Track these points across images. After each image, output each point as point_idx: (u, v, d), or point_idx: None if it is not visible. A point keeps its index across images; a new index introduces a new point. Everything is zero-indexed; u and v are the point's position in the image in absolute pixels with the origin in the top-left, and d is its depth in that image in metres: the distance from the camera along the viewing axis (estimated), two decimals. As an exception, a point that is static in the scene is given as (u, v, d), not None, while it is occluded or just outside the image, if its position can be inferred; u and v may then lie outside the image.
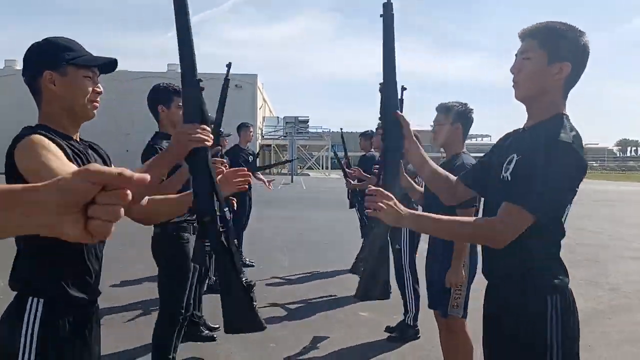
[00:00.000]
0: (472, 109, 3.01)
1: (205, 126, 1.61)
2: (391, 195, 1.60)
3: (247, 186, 1.90)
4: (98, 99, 1.64)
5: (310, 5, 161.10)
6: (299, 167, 48.07)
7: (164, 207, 1.82)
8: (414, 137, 1.84)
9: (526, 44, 1.65)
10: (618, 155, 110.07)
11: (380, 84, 1.81)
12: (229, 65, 2.16)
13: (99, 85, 1.64)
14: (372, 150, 6.47)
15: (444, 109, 2.94)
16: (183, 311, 3.15)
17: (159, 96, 3.11)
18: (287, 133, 44.54)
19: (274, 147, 47.11)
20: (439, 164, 2.04)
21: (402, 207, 1.60)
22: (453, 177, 1.94)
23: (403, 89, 1.98)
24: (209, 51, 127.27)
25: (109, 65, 1.63)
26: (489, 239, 1.60)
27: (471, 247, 2.95)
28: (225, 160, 3.51)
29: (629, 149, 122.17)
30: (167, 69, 40.35)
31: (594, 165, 77.19)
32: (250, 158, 6.68)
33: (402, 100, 1.94)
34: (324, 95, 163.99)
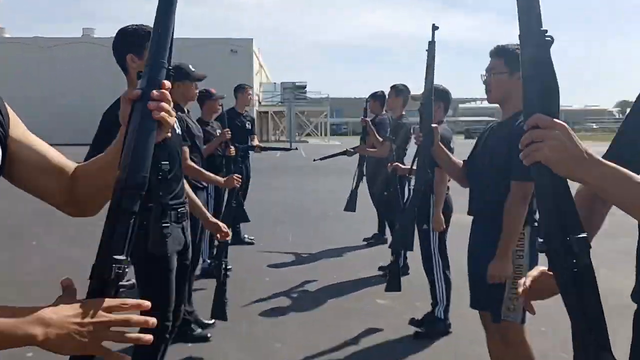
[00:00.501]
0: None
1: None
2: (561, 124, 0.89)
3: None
4: None
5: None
6: (297, 133, 47.15)
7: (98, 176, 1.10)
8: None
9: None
10: (618, 117, 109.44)
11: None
12: (434, 28, 2.51)
13: None
14: (384, 112, 5.69)
15: (502, 52, 2.36)
16: (169, 323, 2.45)
17: (128, 42, 2.31)
18: (284, 99, 43.44)
19: (271, 114, 46.09)
20: (489, 127, 2.64)
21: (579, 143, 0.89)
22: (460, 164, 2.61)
23: (434, 28, 2.52)
24: (204, 15, 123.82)
25: None
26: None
27: (532, 230, 2.31)
28: (227, 132, 2.83)
29: (628, 109, 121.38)
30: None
31: (594, 127, 76.61)
32: (248, 125, 5.91)
33: (434, 42, 2.51)
34: (321, 60, 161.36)
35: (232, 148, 5.11)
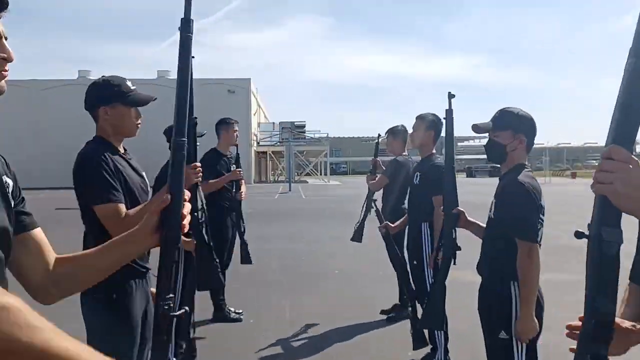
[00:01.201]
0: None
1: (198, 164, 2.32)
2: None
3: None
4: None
5: (303, 11, 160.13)
6: (296, 173, 46.34)
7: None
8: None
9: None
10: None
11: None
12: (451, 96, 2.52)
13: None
14: (406, 152, 4.77)
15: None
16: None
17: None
18: (283, 139, 42.78)
19: (269, 154, 45.37)
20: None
21: None
22: None
23: (450, 96, 2.55)
24: (202, 58, 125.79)
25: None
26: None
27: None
28: (198, 165, 2.53)
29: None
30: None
31: (594, 164, 76.29)
32: (233, 166, 4.91)
33: (451, 110, 2.56)
34: (320, 100, 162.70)
35: (244, 192, 4.68)
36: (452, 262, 2.53)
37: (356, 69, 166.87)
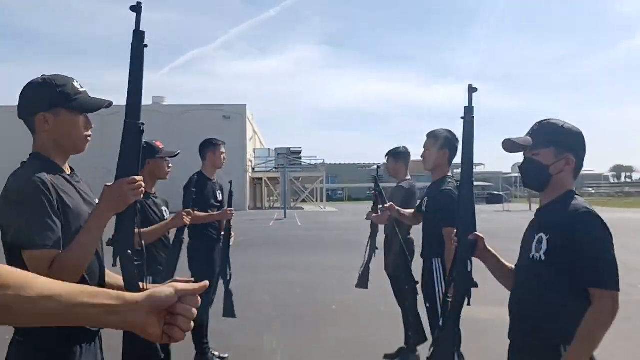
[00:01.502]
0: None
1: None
2: None
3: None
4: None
5: (301, 40, 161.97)
6: (292, 199, 45.80)
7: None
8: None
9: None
10: (613, 181, 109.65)
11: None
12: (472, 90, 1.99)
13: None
14: (408, 176, 4.30)
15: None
16: None
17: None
18: (279, 165, 42.39)
19: (265, 180, 44.93)
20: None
21: None
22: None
23: (472, 90, 2.01)
24: (199, 86, 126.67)
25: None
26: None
27: None
28: (191, 212, 2.48)
29: (623, 174, 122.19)
30: (151, 102, 38.45)
31: (591, 192, 76.54)
32: (219, 195, 4.41)
33: (471, 107, 2.00)
34: (317, 126, 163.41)
35: (233, 238, 4.23)
36: (467, 302, 1.92)
37: (353, 96, 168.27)
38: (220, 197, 4.34)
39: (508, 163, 53.51)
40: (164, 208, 2.90)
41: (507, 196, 42.81)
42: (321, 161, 46.07)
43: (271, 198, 53.43)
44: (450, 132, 3.34)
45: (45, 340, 1.56)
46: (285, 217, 27.85)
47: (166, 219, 3.00)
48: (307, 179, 46.85)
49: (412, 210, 3.59)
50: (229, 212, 4.12)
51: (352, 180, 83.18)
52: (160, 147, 2.90)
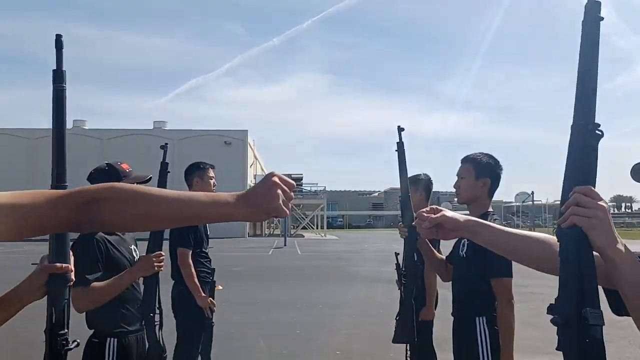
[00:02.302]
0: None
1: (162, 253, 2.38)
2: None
3: None
4: None
5: (304, 69, 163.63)
6: (292, 226, 45.18)
7: None
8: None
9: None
10: (614, 211, 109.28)
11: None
12: (400, 129, 2.86)
13: None
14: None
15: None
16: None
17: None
18: (279, 192, 41.84)
19: (265, 206, 44.33)
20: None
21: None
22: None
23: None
24: (201, 112, 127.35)
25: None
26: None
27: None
28: (162, 255, 2.26)
29: (623, 204, 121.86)
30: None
31: (593, 221, 75.75)
32: (208, 229, 3.87)
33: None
34: (317, 154, 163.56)
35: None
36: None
37: (354, 123, 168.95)
38: (209, 232, 3.82)
39: (509, 192, 53.15)
40: (132, 247, 2.38)
41: (509, 226, 42.13)
42: (322, 188, 45.65)
43: (271, 225, 52.77)
44: (491, 156, 2.72)
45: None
46: (285, 244, 27.22)
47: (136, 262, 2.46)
48: (307, 206, 46.31)
49: (442, 256, 2.97)
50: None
51: (352, 207, 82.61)
52: (127, 169, 2.32)
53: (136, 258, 2.37)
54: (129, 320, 2.31)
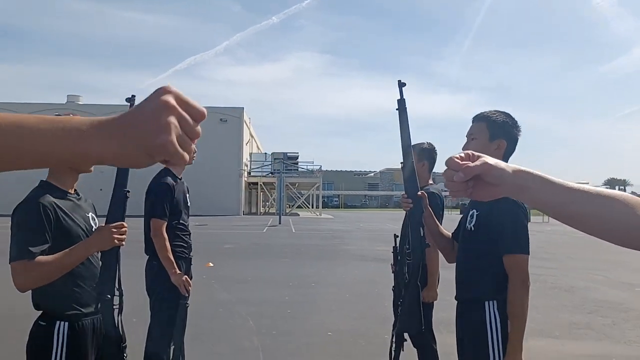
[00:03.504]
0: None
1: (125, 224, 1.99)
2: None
3: None
4: None
5: (302, 48, 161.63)
6: (288, 205, 44.95)
7: None
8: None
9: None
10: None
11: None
12: (401, 85, 2.37)
13: None
14: (431, 181, 3.51)
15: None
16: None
17: None
18: (275, 170, 41.53)
19: (261, 184, 44.07)
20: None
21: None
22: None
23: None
24: (198, 90, 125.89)
25: None
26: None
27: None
28: (124, 225, 1.95)
29: (616, 187, 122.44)
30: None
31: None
32: (189, 200, 3.53)
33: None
34: (314, 133, 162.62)
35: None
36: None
37: (350, 104, 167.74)
38: (189, 203, 3.49)
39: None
40: (90, 214, 2.06)
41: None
42: (318, 167, 45.27)
43: (267, 203, 52.50)
44: (508, 115, 2.27)
45: None
46: (280, 223, 27.00)
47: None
48: (303, 185, 46.01)
49: (448, 233, 2.50)
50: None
51: (347, 188, 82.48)
52: None
53: (94, 228, 2.05)
54: (84, 301, 1.96)
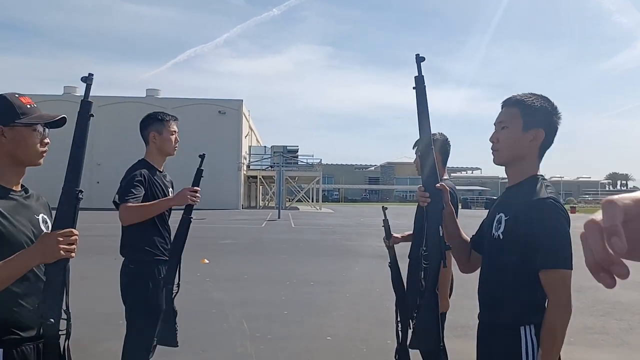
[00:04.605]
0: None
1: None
2: None
3: None
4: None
5: (303, 40, 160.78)
6: (287, 199, 44.60)
7: None
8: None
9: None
10: (609, 188, 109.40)
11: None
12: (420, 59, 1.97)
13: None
14: (446, 175, 3.17)
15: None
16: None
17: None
18: (274, 163, 41.13)
19: (260, 178, 43.69)
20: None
21: None
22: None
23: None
24: (198, 83, 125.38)
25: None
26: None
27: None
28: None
29: (618, 182, 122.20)
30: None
31: (588, 199, 76.33)
32: (170, 190, 3.15)
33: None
34: (314, 127, 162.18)
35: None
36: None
37: (351, 98, 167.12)
38: (171, 193, 3.11)
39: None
40: (41, 216, 1.73)
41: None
42: (318, 160, 44.88)
43: (266, 197, 52.13)
44: (547, 99, 1.89)
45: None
46: (279, 217, 26.66)
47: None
48: (303, 179, 45.63)
49: (467, 238, 2.13)
50: (188, 193, 2.84)
51: (347, 182, 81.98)
52: (30, 105, 1.66)
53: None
54: (24, 324, 1.61)
